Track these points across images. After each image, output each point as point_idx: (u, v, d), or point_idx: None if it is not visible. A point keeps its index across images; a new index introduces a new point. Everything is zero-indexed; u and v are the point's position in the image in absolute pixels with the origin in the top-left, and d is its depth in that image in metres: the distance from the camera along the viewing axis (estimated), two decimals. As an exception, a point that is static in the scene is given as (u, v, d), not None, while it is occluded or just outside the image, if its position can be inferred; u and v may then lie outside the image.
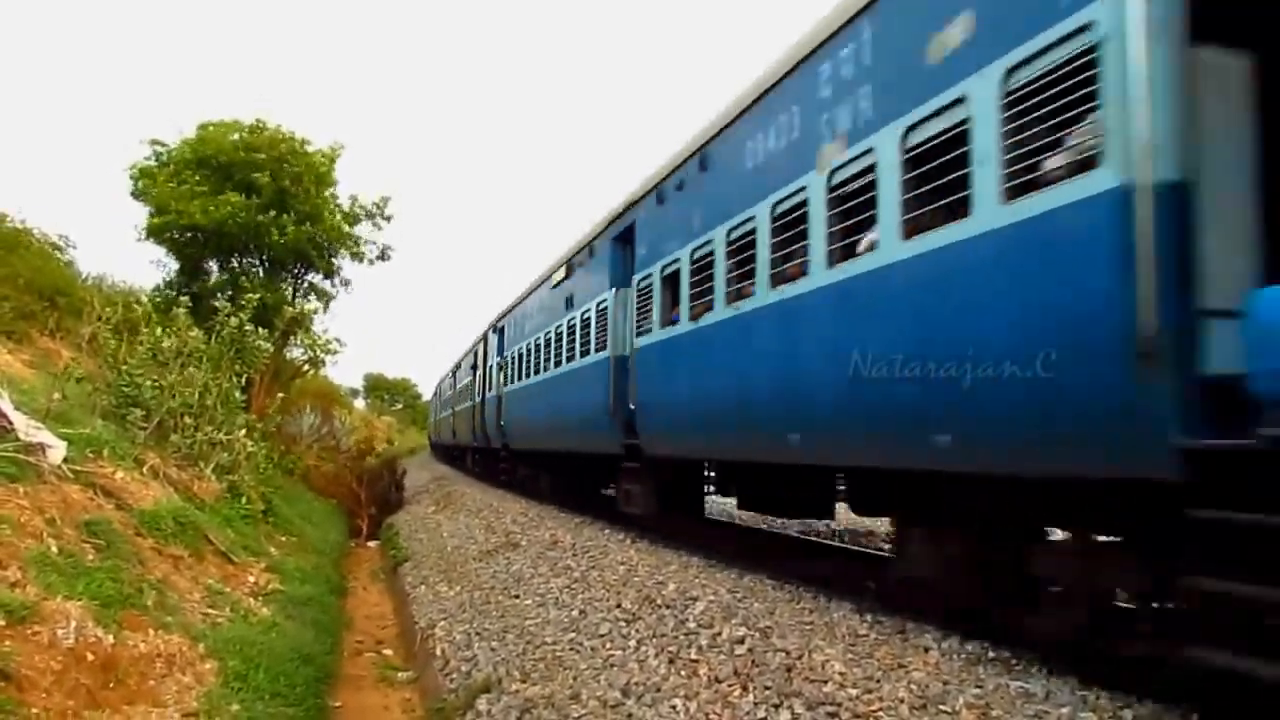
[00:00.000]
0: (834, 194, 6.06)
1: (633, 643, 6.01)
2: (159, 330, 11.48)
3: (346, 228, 20.91)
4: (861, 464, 6.29)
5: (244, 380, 13.60)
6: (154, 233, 18.86)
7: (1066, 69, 4.08)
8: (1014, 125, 4.41)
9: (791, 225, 6.65)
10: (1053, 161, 4.20)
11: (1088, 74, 3.96)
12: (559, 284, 14.07)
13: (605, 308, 11.28)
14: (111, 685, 4.72)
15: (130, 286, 20.25)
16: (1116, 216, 3.76)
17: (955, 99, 4.85)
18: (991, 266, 4.51)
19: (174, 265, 20.12)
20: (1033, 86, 4.28)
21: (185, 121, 24.02)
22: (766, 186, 7.06)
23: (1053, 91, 4.14)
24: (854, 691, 4.29)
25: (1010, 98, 4.43)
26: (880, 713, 4.04)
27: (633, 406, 10.04)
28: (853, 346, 5.74)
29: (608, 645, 6.14)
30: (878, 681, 4.36)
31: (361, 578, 14.29)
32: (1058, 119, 4.13)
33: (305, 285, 21.77)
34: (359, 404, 68.52)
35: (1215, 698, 3.77)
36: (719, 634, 5.55)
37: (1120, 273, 3.71)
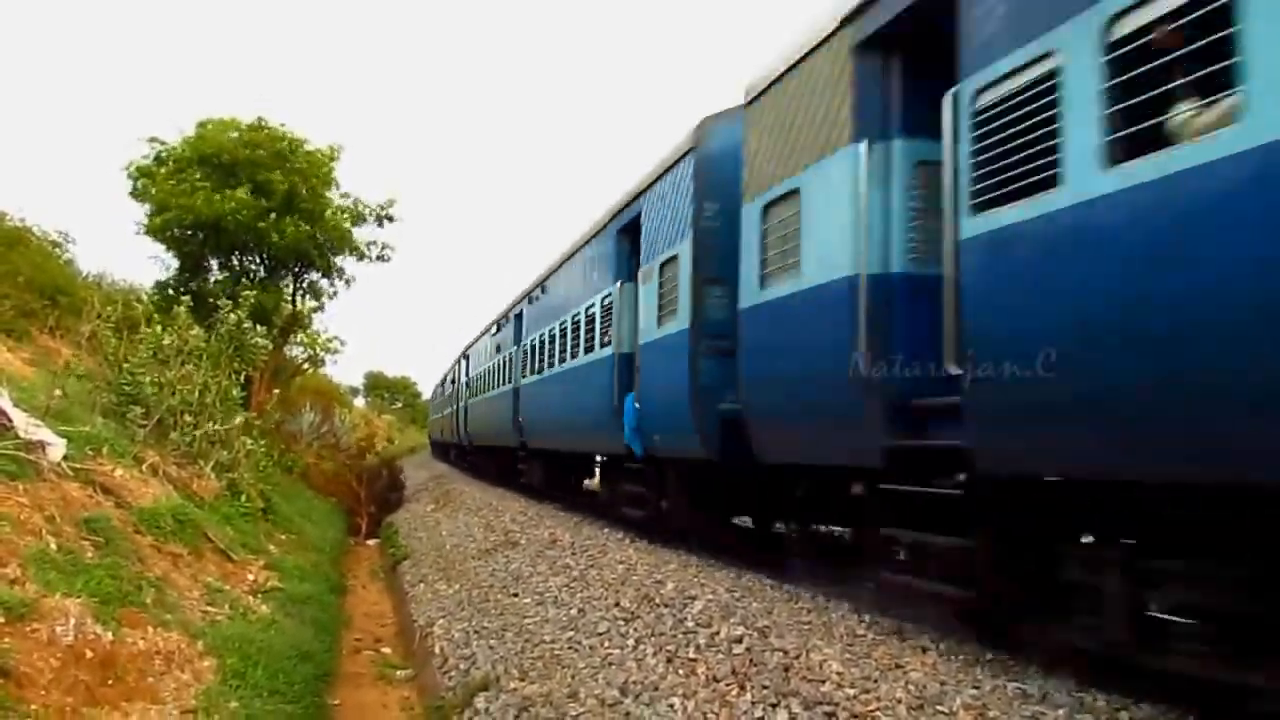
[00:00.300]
0: (574, 326, 12.69)
1: (631, 641, 6.02)
2: (160, 329, 11.49)
3: (349, 225, 20.77)
4: (576, 451, 13.47)
5: (243, 378, 13.60)
6: (154, 231, 18.78)
7: (608, 306, 10.93)
8: (603, 317, 11.24)
9: (564, 335, 13.27)
10: (606, 339, 10.93)
11: (611, 311, 10.79)
12: (495, 334, 20.83)
13: (510, 356, 17.98)
14: (110, 682, 4.73)
15: (130, 284, 20.26)
16: (612, 366, 10.48)
17: (591, 304, 11.79)
18: (592, 375, 11.40)
19: (174, 263, 20.05)
20: (607, 307, 11.07)
21: (184, 120, 23.91)
22: (561, 312, 13.68)
23: (605, 313, 11.06)
24: (851, 691, 4.30)
25: (602, 308, 11.28)
26: (878, 712, 4.04)
27: (521, 419, 16.22)
28: (564, 397, 13.11)
29: (606, 644, 6.15)
30: (875, 681, 4.36)
31: (361, 576, 14.31)
32: (606, 323, 10.99)
33: (305, 283, 21.68)
34: (359, 402, 68.53)
35: (1213, 699, 3.78)
36: (717, 633, 5.55)
37: (610, 386, 10.34)
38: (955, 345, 4.69)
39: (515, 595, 8.44)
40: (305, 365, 24.56)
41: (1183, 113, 3.52)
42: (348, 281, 21.83)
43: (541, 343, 14.80)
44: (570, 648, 6.34)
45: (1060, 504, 4.48)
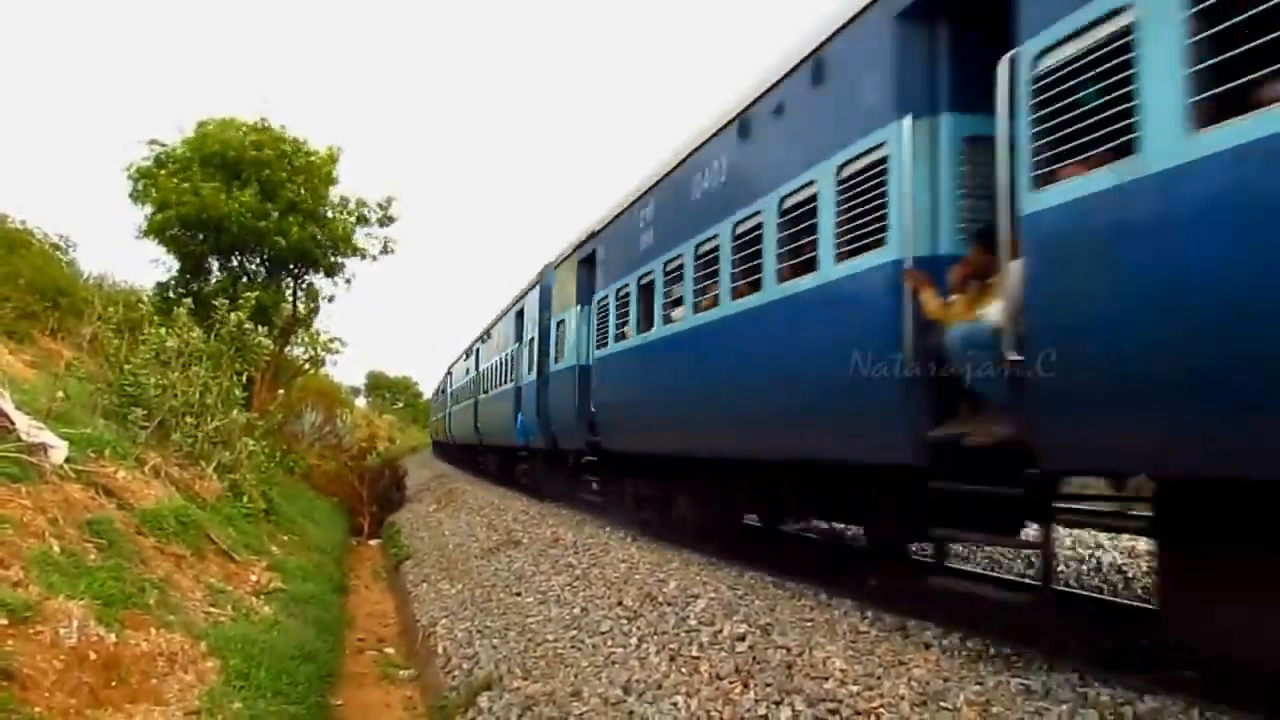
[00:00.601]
0: (501, 364, 19.73)
1: (634, 640, 6.02)
2: (162, 331, 11.49)
3: (353, 221, 20.65)
4: (504, 446, 20.19)
5: (245, 378, 13.60)
6: (155, 229, 18.66)
7: (512, 357, 18.30)
8: (510, 363, 18.48)
9: (497, 369, 20.23)
10: (512, 377, 18.18)
11: (513, 360, 18.23)
12: (466, 359, 27.86)
13: (473, 379, 24.87)
14: (114, 684, 4.73)
15: (131, 286, 20.23)
16: (514, 394, 17.67)
17: (507, 353, 18.96)
18: (506, 399, 18.42)
19: (174, 264, 19.96)
20: (512, 357, 18.41)
21: (185, 121, 23.52)
22: (496, 353, 20.51)
23: (511, 361, 18.44)
24: (855, 688, 4.29)
25: (510, 357, 18.50)
26: (881, 709, 4.04)
27: (479, 426, 23.07)
28: (496, 410, 20.04)
29: (609, 643, 6.15)
30: (878, 678, 4.36)
31: (363, 576, 14.32)
32: (512, 367, 18.36)
33: (305, 284, 21.61)
34: (360, 402, 68.50)
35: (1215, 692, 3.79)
36: (720, 631, 5.55)
37: (513, 406, 17.56)
38: (596, 398, 11.57)
39: (518, 594, 8.44)
40: (306, 366, 24.55)
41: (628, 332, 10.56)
42: (348, 281, 21.76)
43: (487, 371, 22.12)
44: (573, 647, 6.35)
45: (634, 461, 10.68)
